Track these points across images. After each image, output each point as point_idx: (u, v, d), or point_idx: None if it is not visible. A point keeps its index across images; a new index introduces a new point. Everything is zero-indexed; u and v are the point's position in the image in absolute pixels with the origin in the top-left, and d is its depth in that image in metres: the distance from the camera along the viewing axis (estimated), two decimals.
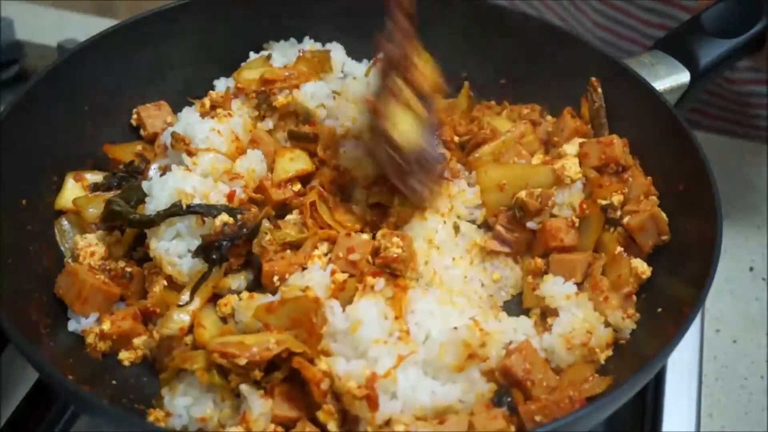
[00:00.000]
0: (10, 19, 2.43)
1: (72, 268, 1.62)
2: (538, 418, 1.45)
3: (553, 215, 1.72)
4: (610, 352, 1.59)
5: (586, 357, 1.57)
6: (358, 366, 1.43)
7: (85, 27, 2.13)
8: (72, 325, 1.61)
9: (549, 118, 1.95)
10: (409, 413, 1.43)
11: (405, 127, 1.60)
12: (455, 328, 1.49)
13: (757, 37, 1.84)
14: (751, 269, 2.11)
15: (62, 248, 1.72)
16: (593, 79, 1.86)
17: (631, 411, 1.72)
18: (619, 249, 1.69)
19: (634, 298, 1.64)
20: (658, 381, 1.74)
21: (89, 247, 1.68)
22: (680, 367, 1.76)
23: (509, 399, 1.50)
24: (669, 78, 1.82)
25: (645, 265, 1.67)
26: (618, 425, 1.72)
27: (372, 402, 1.39)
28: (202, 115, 1.82)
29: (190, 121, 1.78)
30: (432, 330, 1.51)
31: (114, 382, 1.56)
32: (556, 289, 1.64)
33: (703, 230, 1.59)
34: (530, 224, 1.72)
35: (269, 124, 1.87)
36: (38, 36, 2.54)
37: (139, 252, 1.69)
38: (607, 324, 1.60)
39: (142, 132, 1.92)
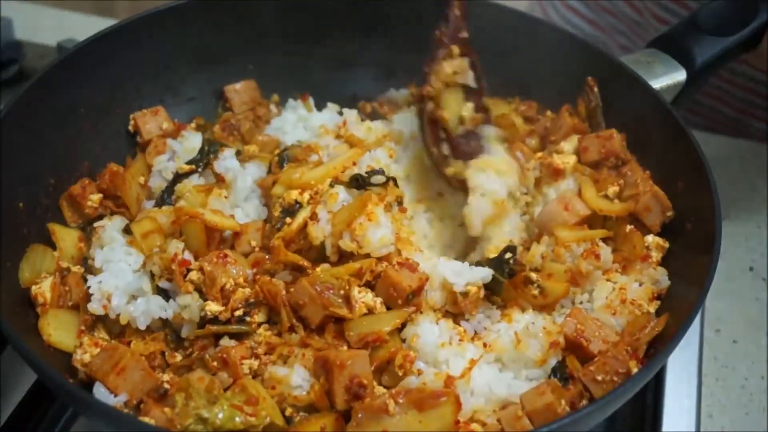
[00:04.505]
0: (10, 18, 2.43)
1: (114, 344, 1.52)
2: (600, 377, 1.45)
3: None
4: (657, 304, 1.60)
5: (635, 312, 1.57)
6: (430, 373, 1.46)
7: (85, 27, 2.12)
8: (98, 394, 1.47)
9: (548, 113, 1.94)
10: (489, 407, 1.45)
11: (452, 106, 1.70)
12: (533, 323, 1.53)
13: (752, 34, 1.83)
14: (751, 269, 2.10)
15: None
16: (590, 78, 1.86)
17: (631, 411, 1.72)
18: (630, 227, 1.70)
19: (655, 257, 1.66)
20: (658, 381, 1.73)
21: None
22: (680, 367, 1.76)
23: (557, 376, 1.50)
24: (666, 76, 1.82)
25: (659, 238, 1.68)
26: (618, 425, 1.72)
27: (456, 401, 1.39)
28: None
29: None
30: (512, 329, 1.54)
31: None
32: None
33: (702, 230, 1.59)
34: None
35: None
36: (38, 36, 2.54)
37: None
38: (640, 282, 1.63)
39: (138, 139, 1.91)
